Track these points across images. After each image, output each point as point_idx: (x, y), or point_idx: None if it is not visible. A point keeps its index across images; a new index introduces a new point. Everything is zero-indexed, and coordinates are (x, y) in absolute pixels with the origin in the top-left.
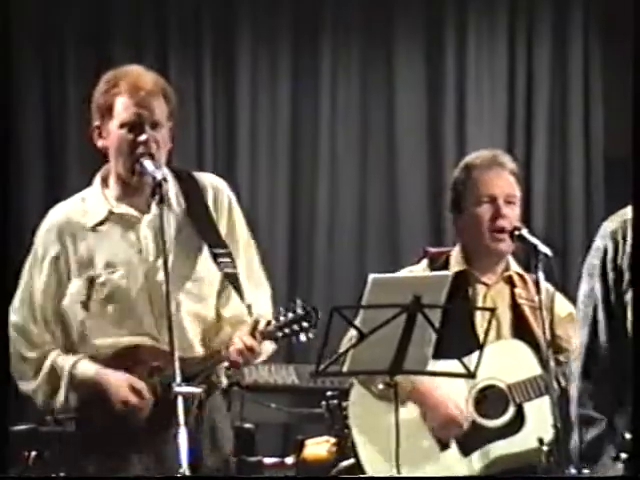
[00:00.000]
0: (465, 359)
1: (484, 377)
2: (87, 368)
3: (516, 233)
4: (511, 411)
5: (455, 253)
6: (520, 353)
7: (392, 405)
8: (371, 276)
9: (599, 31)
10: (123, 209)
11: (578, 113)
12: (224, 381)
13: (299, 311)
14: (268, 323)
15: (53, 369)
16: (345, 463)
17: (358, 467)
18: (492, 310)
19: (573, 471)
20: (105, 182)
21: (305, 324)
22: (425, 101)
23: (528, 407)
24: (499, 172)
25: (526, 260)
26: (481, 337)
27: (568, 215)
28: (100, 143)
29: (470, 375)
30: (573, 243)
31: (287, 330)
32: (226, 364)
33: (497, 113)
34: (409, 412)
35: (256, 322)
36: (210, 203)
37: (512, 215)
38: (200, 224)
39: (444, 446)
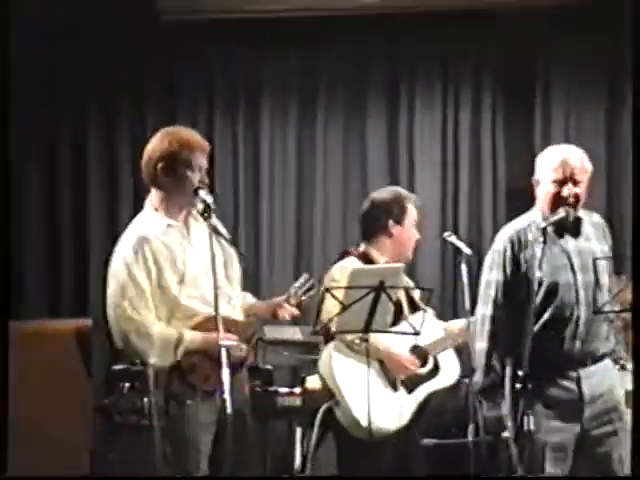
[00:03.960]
0: (402, 325)
1: (411, 340)
2: (194, 334)
3: (448, 239)
4: (431, 362)
5: (373, 251)
6: (425, 321)
7: (362, 357)
8: (350, 267)
9: (503, 99)
10: (175, 223)
11: (488, 157)
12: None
13: (311, 283)
14: (296, 293)
15: (165, 338)
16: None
17: (336, 403)
18: (431, 290)
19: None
20: (157, 207)
21: (313, 291)
22: (386, 150)
23: (440, 358)
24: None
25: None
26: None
27: (482, 226)
28: (165, 180)
29: (417, 333)
30: (485, 245)
31: (307, 295)
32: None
33: (434, 157)
34: (373, 366)
35: (289, 294)
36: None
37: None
38: (219, 230)
39: (395, 388)
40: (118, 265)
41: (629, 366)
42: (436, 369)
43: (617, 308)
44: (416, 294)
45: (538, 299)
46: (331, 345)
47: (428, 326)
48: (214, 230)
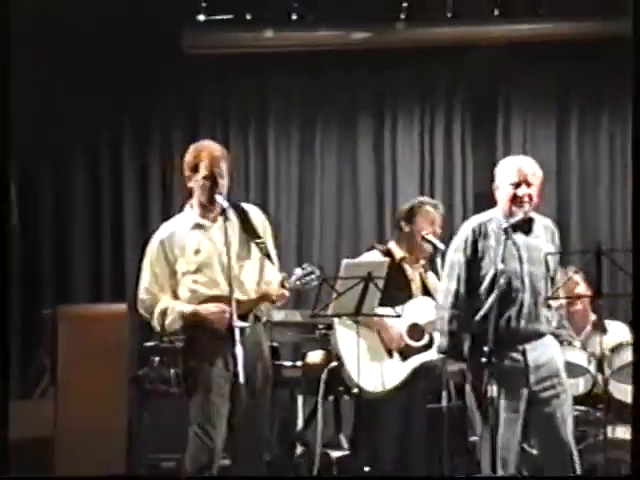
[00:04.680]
0: (400, 306)
1: (411, 318)
2: (186, 306)
3: (426, 237)
4: (426, 337)
5: (394, 247)
6: (428, 304)
7: (361, 330)
8: (344, 260)
9: (471, 119)
10: (202, 221)
11: (458, 167)
12: (265, 317)
13: (308, 269)
14: (289, 277)
15: (164, 311)
16: (332, 365)
17: (340, 366)
18: (422, 281)
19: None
20: (191, 207)
21: (312, 276)
22: (373, 163)
23: (434, 335)
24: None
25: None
26: (413, 291)
27: (453, 225)
28: (189, 184)
29: (398, 316)
30: None
31: (302, 281)
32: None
33: (414, 168)
34: (371, 336)
35: (284, 279)
36: (252, 219)
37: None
38: (247, 230)
39: (391, 356)
40: (146, 251)
41: (576, 343)
42: (430, 343)
43: (562, 296)
44: (440, 285)
45: (491, 282)
46: (338, 321)
47: (427, 308)
48: (225, 230)
